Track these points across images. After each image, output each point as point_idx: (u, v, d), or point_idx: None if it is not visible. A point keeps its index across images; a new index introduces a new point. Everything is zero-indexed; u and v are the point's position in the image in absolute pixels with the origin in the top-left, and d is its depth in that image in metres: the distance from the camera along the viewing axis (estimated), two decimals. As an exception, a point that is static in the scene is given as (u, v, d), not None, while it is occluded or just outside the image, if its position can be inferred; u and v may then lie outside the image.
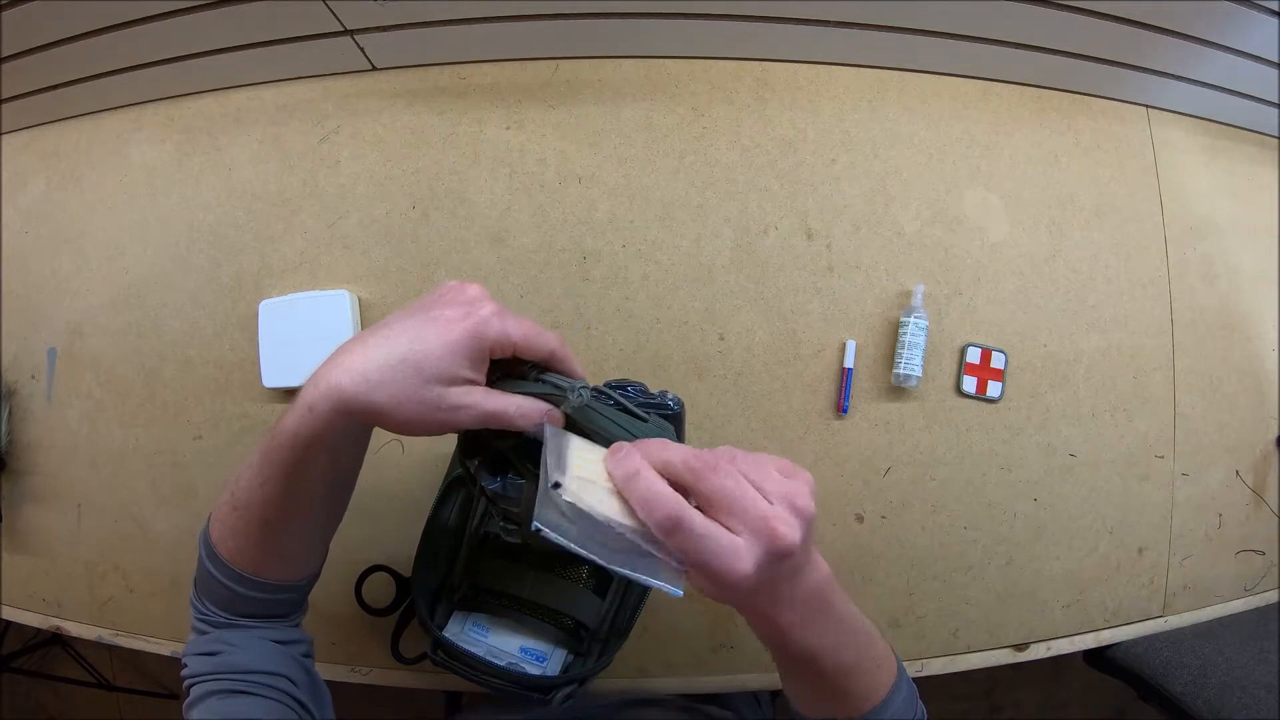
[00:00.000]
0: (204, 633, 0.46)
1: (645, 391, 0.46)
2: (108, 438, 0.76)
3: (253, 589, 0.45)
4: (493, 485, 0.42)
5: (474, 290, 0.40)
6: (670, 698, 0.69)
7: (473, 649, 0.54)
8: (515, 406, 0.39)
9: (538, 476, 0.36)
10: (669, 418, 0.44)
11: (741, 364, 0.70)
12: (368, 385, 0.37)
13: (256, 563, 0.44)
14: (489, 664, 0.53)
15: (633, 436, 0.38)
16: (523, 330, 0.39)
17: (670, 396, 0.43)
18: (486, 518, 0.55)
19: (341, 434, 0.39)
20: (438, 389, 0.37)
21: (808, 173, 0.72)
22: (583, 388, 0.39)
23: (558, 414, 0.40)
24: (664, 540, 0.33)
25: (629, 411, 0.40)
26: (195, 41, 0.69)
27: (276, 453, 0.39)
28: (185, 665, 0.45)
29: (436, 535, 0.59)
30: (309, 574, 0.49)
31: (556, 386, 0.40)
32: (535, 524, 0.33)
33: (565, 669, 0.55)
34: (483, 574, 0.56)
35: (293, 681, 0.45)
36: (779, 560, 0.33)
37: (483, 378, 0.40)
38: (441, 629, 0.55)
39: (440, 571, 0.58)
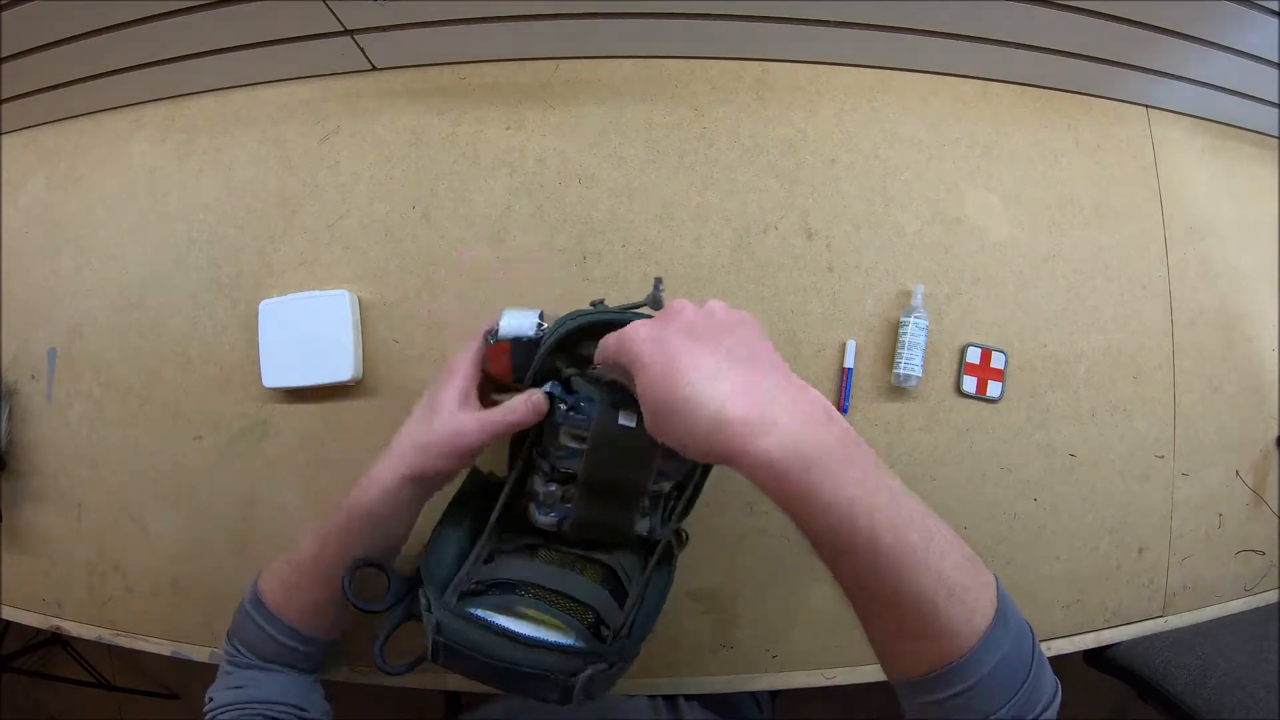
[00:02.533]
0: (231, 673, 0.53)
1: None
2: (108, 438, 0.76)
3: (290, 637, 0.53)
4: (569, 399, 0.50)
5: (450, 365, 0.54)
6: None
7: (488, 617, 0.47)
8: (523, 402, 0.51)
9: (605, 386, 0.49)
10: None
11: (741, 364, 0.70)
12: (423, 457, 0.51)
13: (302, 614, 0.54)
14: (510, 632, 0.46)
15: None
16: (469, 359, 0.54)
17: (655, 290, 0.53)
18: (505, 513, 0.55)
19: (413, 501, 0.53)
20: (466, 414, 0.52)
21: (808, 173, 0.72)
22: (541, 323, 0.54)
23: (539, 395, 0.50)
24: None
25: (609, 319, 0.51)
26: (195, 41, 0.69)
27: (358, 522, 0.51)
28: (210, 700, 0.51)
29: (450, 530, 0.57)
30: (338, 633, 0.58)
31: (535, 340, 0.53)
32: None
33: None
34: (498, 569, 0.53)
35: (314, 716, 0.52)
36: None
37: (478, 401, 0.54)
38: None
39: (451, 568, 0.55)
